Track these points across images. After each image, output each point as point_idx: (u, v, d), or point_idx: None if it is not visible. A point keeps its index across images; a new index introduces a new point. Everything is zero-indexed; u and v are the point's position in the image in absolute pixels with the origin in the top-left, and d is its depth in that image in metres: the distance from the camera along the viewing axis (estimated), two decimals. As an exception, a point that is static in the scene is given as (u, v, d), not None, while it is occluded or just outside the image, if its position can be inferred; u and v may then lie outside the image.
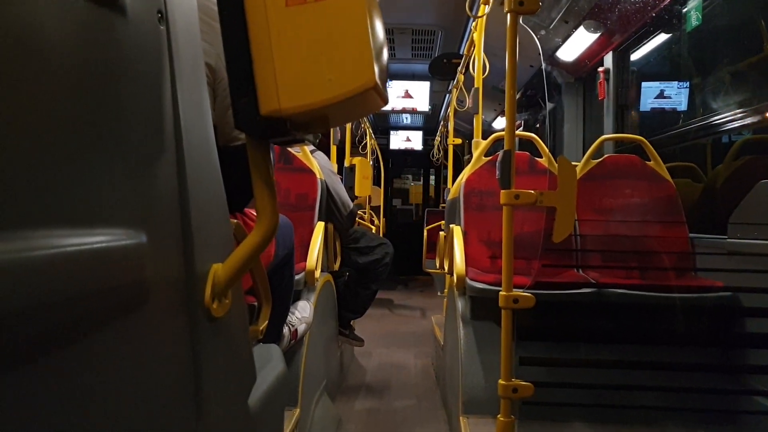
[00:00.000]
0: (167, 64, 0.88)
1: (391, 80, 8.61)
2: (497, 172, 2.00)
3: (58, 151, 0.60)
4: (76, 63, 0.65)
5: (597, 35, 5.02)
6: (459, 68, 5.45)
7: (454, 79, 6.18)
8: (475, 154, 3.77)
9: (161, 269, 0.80)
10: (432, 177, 13.83)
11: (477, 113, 4.12)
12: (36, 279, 0.52)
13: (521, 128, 8.16)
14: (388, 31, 6.89)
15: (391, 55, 7.80)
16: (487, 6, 3.52)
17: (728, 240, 2.93)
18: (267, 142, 0.93)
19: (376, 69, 0.82)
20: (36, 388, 0.54)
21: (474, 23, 4.22)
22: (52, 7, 0.60)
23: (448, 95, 8.63)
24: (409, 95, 8.74)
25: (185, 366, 0.87)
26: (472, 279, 2.99)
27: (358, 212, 5.88)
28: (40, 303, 0.53)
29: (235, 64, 0.86)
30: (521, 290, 2.02)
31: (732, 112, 3.72)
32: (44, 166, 0.57)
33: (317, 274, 3.10)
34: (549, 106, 6.85)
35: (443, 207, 5.81)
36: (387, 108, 8.44)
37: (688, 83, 4.55)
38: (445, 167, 8.70)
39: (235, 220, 1.33)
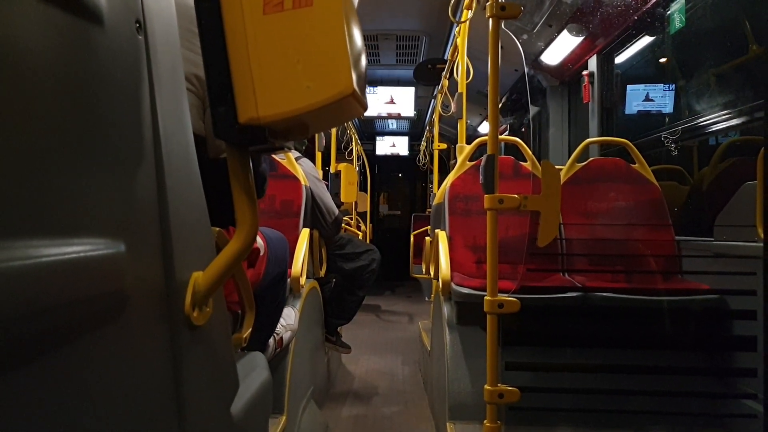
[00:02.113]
0: (146, 73, 0.88)
1: (376, 86, 8.62)
2: (481, 177, 2.00)
3: (35, 160, 0.60)
4: (53, 72, 0.64)
5: (581, 39, 5.03)
6: (443, 73, 5.45)
7: (438, 84, 6.18)
8: (460, 159, 3.77)
9: (140, 278, 0.80)
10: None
11: (461, 118, 4.13)
12: (12, 288, 0.52)
13: (506, 132, 8.17)
14: (373, 37, 6.91)
15: (376, 61, 7.81)
16: (470, 11, 3.53)
17: (714, 242, 2.94)
18: (246, 150, 0.93)
19: (354, 76, 0.82)
20: (13, 397, 0.53)
21: (457, 28, 4.23)
22: (28, 17, 0.60)
23: (433, 100, 8.65)
24: (394, 101, 8.75)
25: (166, 374, 0.87)
26: (457, 284, 2.98)
27: (344, 218, 5.87)
28: (18, 313, 0.52)
29: (213, 72, 0.86)
30: (506, 295, 2.02)
31: (717, 114, 3.73)
32: (22, 175, 0.57)
33: (302, 280, 3.09)
34: (533, 110, 6.86)
35: (430, 212, 5.80)
36: (372, 114, 8.45)
37: (673, 86, 4.57)
38: (431, 172, 8.69)
39: (217, 228, 1.32)
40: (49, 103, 0.63)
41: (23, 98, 0.59)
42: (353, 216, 8.12)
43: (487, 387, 2.02)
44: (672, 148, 4.17)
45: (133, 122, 0.83)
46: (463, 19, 3.80)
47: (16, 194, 0.56)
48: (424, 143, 10.16)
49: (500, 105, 2.22)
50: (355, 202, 7.81)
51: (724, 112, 3.67)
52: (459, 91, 4.12)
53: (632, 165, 3.70)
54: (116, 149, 0.77)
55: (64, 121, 0.66)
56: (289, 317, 2.72)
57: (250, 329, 1.55)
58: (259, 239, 1.91)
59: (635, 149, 3.70)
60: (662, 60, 4.81)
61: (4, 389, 0.52)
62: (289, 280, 2.97)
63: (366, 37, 6.73)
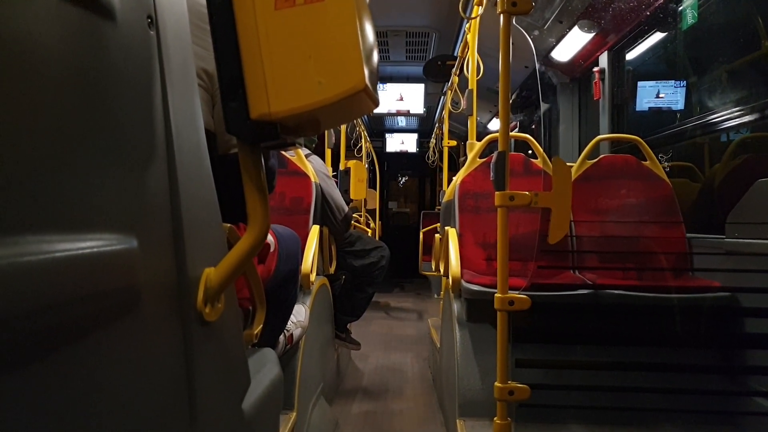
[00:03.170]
0: (157, 69, 0.88)
1: (385, 83, 8.62)
2: (492, 174, 2.00)
3: (47, 156, 0.60)
4: (65, 68, 0.64)
5: (591, 35, 5.02)
6: (453, 70, 5.44)
7: (448, 81, 6.17)
8: (470, 156, 3.77)
9: (153, 274, 0.80)
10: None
11: (471, 115, 4.12)
12: (26, 284, 0.52)
13: (517, 129, 8.16)
14: (383, 34, 6.90)
15: (386, 58, 7.80)
16: (480, 7, 3.52)
17: (726, 240, 2.93)
18: (258, 146, 0.93)
19: (366, 71, 0.81)
20: (27, 392, 0.53)
21: (468, 25, 4.22)
22: (40, 13, 0.60)
23: (442, 97, 8.64)
24: (403, 98, 8.74)
25: (178, 370, 0.87)
26: (467, 281, 2.98)
27: (354, 215, 5.88)
28: (31, 308, 0.52)
29: (224, 67, 0.85)
30: (517, 292, 2.02)
31: (729, 111, 3.72)
32: (35, 171, 0.57)
33: (312, 277, 3.09)
34: (544, 106, 6.85)
35: (439, 209, 5.80)
36: (382, 111, 8.44)
37: (684, 82, 4.55)
38: (441, 169, 8.70)
39: (228, 225, 1.32)
40: (61, 99, 0.63)
41: (35, 94, 0.59)
42: (362, 213, 8.13)
43: (497, 384, 2.01)
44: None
45: (145, 118, 0.83)
46: (473, 15, 3.79)
47: (28, 190, 0.56)
48: (433, 140, 10.17)
49: (511, 102, 2.21)
50: (365, 199, 7.82)
51: (736, 108, 3.66)
52: (469, 87, 4.11)
53: (643, 162, 3.69)
54: (128, 145, 0.77)
55: (77, 117, 0.66)
56: (300, 314, 2.71)
57: (261, 325, 1.55)
58: (269, 236, 1.91)
59: (646, 146, 3.69)
60: (673, 56, 4.79)
61: (17, 384, 0.52)
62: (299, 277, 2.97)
63: (375, 34, 6.73)
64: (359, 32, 0.82)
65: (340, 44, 0.82)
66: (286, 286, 2.16)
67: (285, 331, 2.46)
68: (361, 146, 8.16)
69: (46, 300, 0.55)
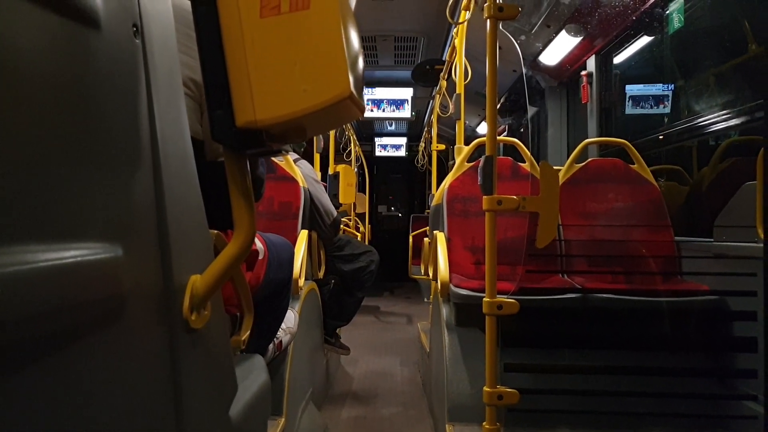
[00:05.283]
0: (143, 77, 0.88)
1: (374, 87, 8.62)
2: (479, 178, 2.00)
3: (31, 165, 0.59)
4: (49, 77, 0.64)
5: (579, 39, 5.03)
6: (441, 74, 5.46)
7: (437, 85, 6.19)
8: (458, 160, 3.77)
9: (138, 282, 0.80)
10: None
11: (459, 119, 4.13)
12: (9, 293, 0.51)
13: (505, 133, 8.17)
14: (371, 39, 6.91)
15: (374, 63, 7.81)
16: (467, 12, 3.53)
17: (714, 243, 2.94)
18: (244, 153, 0.93)
19: (351, 78, 0.82)
20: (11, 402, 0.53)
21: (455, 29, 4.23)
22: (25, 22, 0.60)
23: (431, 101, 8.65)
24: (392, 102, 8.76)
25: (164, 378, 0.87)
26: (456, 285, 2.98)
27: (343, 219, 5.87)
28: (14, 318, 0.52)
29: (210, 75, 0.85)
30: (505, 296, 2.02)
31: (716, 114, 3.73)
32: (18, 180, 0.57)
33: (301, 282, 3.09)
34: (532, 110, 6.85)
35: (428, 213, 5.81)
36: (371, 115, 8.44)
37: (672, 86, 4.57)
38: (430, 173, 8.71)
39: (216, 231, 1.32)
40: (45, 107, 0.63)
41: (19, 102, 0.59)
42: (352, 217, 8.13)
43: (486, 389, 2.02)
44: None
45: (130, 126, 0.83)
46: (460, 20, 3.80)
47: (12, 199, 0.55)
48: (422, 144, 10.18)
49: (498, 106, 2.21)
50: (354, 204, 7.82)
51: (724, 111, 3.67)
52: (457, 92, 4.12)
53: (631, 165, 3.70)
54: (113, 153, 0.77)
55: (61, 125, 0.66)
56: (289, 320, 2.70)
57: (249, 332, 1.54)
58: (258, 243, 1.90)
59: (634, 150, 3.70)
60: (661, 60, 4.81)
61: (1, 392, 0.52)
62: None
63: (364, 39, 6.71)
64: (344, 40, 0.82)
65: (325, 52, 0.82)
66: (277, 295, 2.15)
67: (275, 338, 2.46)
68: (350, 150, 8.16)
69: (30, 310, 0.55)
